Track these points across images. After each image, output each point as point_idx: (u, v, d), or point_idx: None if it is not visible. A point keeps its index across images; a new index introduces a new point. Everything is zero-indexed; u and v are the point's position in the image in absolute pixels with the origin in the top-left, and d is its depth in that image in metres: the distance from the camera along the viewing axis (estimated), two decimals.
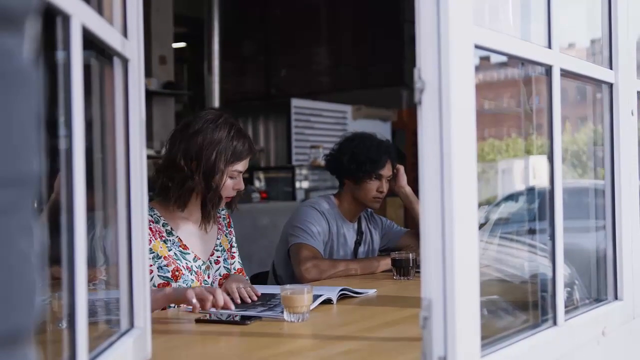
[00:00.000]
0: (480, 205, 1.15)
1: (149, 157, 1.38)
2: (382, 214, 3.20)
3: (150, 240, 2.08)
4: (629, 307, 1.72)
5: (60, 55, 0.89)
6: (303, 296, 1.75)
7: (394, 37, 8.05)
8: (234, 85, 8.93)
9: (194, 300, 1.83)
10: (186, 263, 2.15)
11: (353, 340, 1.61)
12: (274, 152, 7.75)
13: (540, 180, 1.60)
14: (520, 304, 1.59)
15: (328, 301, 2.00)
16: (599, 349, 1.58)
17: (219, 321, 1.78)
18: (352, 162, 2.80)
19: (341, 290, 2.08)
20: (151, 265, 2.07)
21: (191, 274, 2.15)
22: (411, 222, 3.16)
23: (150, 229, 2.10)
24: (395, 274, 2.53)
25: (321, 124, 7.47)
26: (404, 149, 7.00)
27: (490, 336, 1.20)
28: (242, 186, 2.21)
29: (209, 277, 2.22)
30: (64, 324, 1.05)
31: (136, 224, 1.27)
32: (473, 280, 1.10)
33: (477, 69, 1.13)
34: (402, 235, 3.02)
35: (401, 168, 2.95)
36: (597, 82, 1.70)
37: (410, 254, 2.53)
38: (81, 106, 0.91)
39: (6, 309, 0.55)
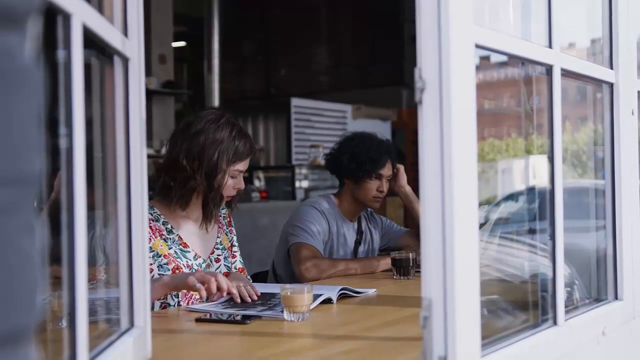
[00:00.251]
0: (480, 205, 1.15)
1: (148, 156, 1.38)
2: (382, 214, 3.20)
3: (150, 239, 2.08)
4: (629, 307, 1.72)
5: (60, 54, 0.89)
6: (303, 296, 1.75)
7: (394, 36, 8.06)
8: (234, 84, 8.93)
9: (198, 285, 1.85)
10: (186, 261, 2.16)
11: (353, 340, 1.60)
12: (274, 152, 7.75)
13: (540, 180, 1.60)
14: (520, 304, 1.59)
15: (328, 301, 2.00)
16: (599, 348, 1.58)
17: (219, 320, 1.78)
18: (352, 161, 2.80)
19: (341, 289, 2.08)
20: (151, 264, 2.07)
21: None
22: (411, 221, 3.16)
23: (150, 227, 2.10)
24: (395, 273, 2.53)
25: (321, 123, 7.47)
26: (403, 148, 7.01)
27: (490, 336, 1.20)
28: (242, 185, 2.22)
29: None
30: (64, 323, 1.05)
31: (136, 223, 1.27)
32: (473, 280, 1.10)
33: (478, 68, 1.13)
34: (402, 234, 3.02)
35: (401, 168, 2.95)
36: (598, 82, 1.70)
37: (410, 254, 2.53)
38: (82, 105, 0.91)
39: (7, 308, 0.55)
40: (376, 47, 8.44)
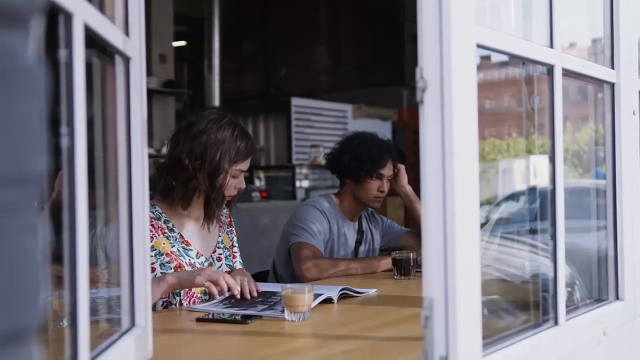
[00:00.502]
0: (481, 204, 1.15)
1: (149, 155, 1.38)
2: (382, 214, 3.20)
3: (152, 237, 2.09)
4: (630, 307, 1.72)
5: (62, 53, 0.89)
6: (304, 295, 1.75)
7: (394, 36, 8.05)
8: (234, 84, 8.93)
9: (207, 283, 1.86)
10: (189, 260, 2.16)
11: (354, 340, 1.60)
12: (274, 151, 7.76)
13: (541, 180, 1.60)
14: (521, 304, 1.58)
15: (329, 300, 2.00)
16: (600, 349, 1.57)
17: (220, 320, 1.78)
18: (353, 161, 2.80)
19: (342, 289, 2.08)
20: (154, 263, 2.07)
21: None
22: (412, 221, 3.16)
23: (153, 225, 2.11)
24: (395, 273, 2.53)
25: (321, 123, 7.47)
26: (404, 148, 7.00)
27: (491, 336, 1.20)
28: (243, 185, 2.23)
29: None
30: (65, 323, 1.05)
31: (137, 222, 1.27)
32: (474, 280, 1.10)
33: (479, 68, 1.13)
34: (403, 234, 3.02)
35: (402, 167, 2.95)
36: (599, 82, 1.70)
37: (411, 254, 2.53)
38: (83, 104, 0.91)
39: (9, 307, 0.55)
40: (376, 47, 8.43)
